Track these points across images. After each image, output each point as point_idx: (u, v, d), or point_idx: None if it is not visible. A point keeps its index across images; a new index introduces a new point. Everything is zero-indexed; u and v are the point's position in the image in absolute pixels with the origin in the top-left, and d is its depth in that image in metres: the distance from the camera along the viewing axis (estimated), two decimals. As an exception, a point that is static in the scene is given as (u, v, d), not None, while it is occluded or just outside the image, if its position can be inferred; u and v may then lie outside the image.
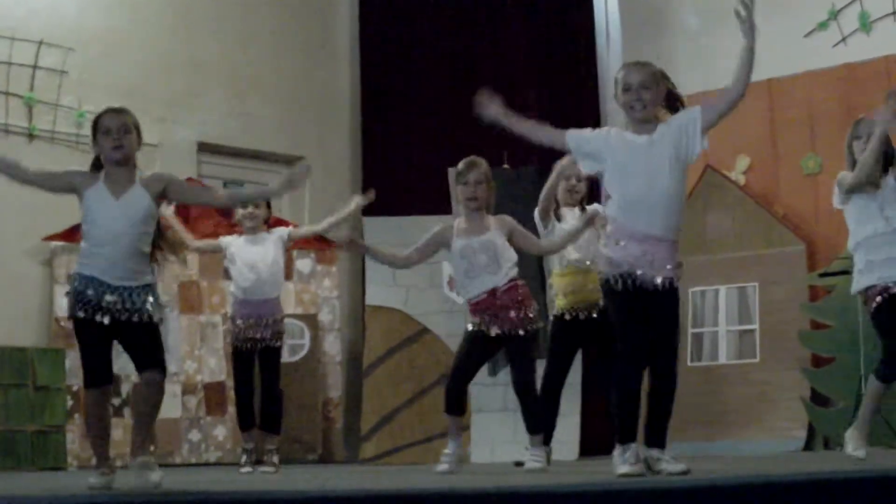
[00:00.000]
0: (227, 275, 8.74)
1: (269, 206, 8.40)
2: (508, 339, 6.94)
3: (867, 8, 10.32)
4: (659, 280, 5.50)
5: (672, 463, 5.45)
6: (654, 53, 11.32)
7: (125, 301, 5.44)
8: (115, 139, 5.51)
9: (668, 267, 5.52)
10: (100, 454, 5.61)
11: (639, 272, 5.50)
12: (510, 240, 7.03)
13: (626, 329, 5.54)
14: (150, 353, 5.54)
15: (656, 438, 5.59)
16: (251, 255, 8.20)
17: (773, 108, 10.69)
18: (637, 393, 5.52)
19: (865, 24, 10.35)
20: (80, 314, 5.49)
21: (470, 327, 7.04)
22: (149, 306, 5.47)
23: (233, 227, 8.53)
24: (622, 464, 5.41)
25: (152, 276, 5.59)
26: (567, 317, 7.62)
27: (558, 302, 7.68)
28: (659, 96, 5.68)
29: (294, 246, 10.50)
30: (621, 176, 5.61)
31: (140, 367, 5.59)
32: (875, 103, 9.99)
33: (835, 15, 10.48)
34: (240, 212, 8.22)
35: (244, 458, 8.24)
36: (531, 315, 6.95)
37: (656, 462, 5.50)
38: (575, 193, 7.72)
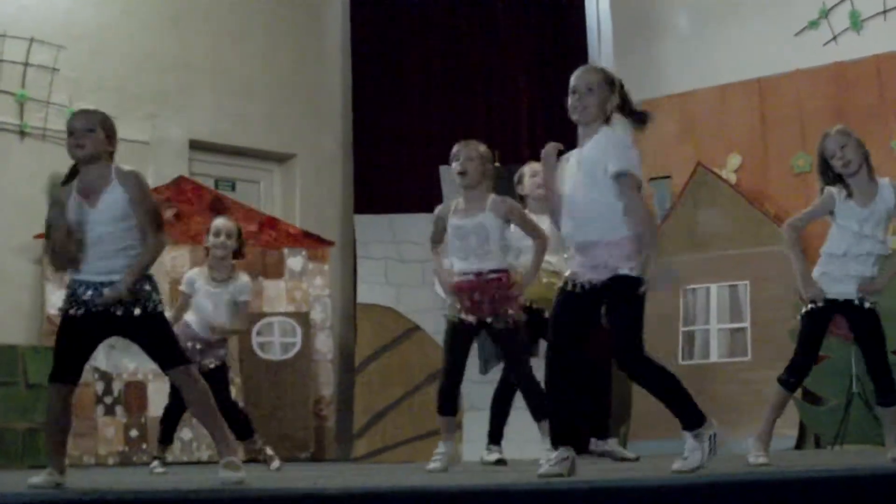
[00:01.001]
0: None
1: (240, 235, 8.24)
2: (493, 331, 6.97)
3: (858, 7, 10.33)
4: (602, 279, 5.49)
5: (680, 461, 5.41)
6: (644, 54, 11.37)
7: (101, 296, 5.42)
8: (76, 138, 5.52)
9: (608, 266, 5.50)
10: (50, 452, 5.57)
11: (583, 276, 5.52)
12: (510, 219, 7.03)
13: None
14: (162, 349, 5.53)
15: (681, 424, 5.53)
16: (210, 300, 8.08)
17: (764, 106, 10.70)
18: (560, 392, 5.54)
19: (856, 23, 10.36)
20: (67, 308, 5.50)
21: (447, 315, 7.06)
22: (147, 296, 5.45)
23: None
24: (545, 463, 5.40)
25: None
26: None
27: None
28: (604, 103, 5.58)
29: (284, 244, 10.52)
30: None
31: (162, 369, 5.59)
32: (866, 102, 10.05)
33: (825, 14, 10.49)
34: (210, 239, 8.11)
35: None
36: (515, 308, 6.96)
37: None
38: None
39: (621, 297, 5.47)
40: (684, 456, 5.39)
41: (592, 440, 8.34)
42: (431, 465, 6.95)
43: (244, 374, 10.05)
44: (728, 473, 4.89)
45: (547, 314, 7.52)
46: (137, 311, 5.44)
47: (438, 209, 7.28)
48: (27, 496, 4.20)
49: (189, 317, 8.03)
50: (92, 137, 5.53)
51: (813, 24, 10.56)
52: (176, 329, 7.56)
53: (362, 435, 10.18)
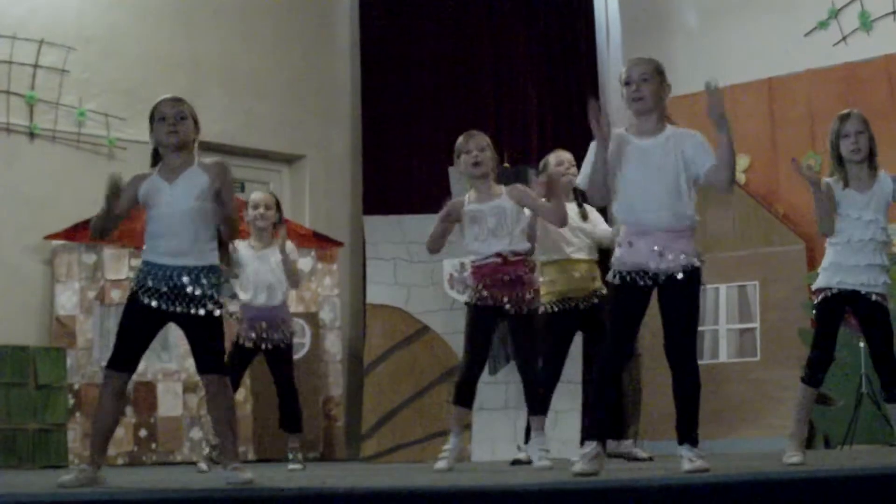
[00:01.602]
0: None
1: (278, 207, 8.32)
2: (510, 315, 6.94)
3: (867, 7, 10.33)
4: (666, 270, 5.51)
5: (690, 461, 5.42)
6: (653, 54, 11.29)
7: (184, 285, 5.44)
8: (170, 125, 5.57)
9: (677, 255, 5.53)
10: (95, 446, 5.60)
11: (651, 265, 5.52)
12: (522, 203, 7.01)
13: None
14: (208, 352, 5.55)
15: (679, 435, 5.56)
16: (261, 263, 8.14)
17: (774, 106, 10.70)
18: (602, 387, 5.54)
19: (866, 24, 10.35)
20: (136, 294, 5.50)
21: (468, 300, 7.04)
22: (207, 293, 5.47)
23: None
24: (578, 461, 5.39)
25: (215, 259, 5.59)
26: (555, 309, 7.59)
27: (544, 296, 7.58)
28: (658, 92, 5.64)
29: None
30: (626, 178, 5.61)
31: (199, 370, 5.62)
32: (875, 102, 10.05)
33: (835, 14, 10.49)
34: (249, 212, 8.17)
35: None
36: (531, 296, 6.95)
37: (680, 459, 5.50)
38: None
39: (689, 289, 5.50)
40: (691, 459, 5.40)
41: (609, 442, 8.33)
42: (438, 465, 6.94)
43: (252, 375, 10.04)
44: (735, 473, 4.89)
45: (581, 306, 7.60)
46: (202, 312, 5.46)
47: (451, 202, 7.23)
48: (42, 496, 4.20)
49: (244, 296, 8.08)
50: (185, 125, 5.61)
51: (822, 25, 10.56)
52: (236, 311, 7.74)
53: (371, 435, 10.18)
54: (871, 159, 6.41)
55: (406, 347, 10.28)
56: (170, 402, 9.85)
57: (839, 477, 4.14)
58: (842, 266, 6.36)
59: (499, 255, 6.90)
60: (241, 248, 8.13)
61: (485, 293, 6.91)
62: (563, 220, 7.02)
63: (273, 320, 8.09)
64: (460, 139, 7.10)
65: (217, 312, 5.50)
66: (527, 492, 3.88)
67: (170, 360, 9.87)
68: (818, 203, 6.38)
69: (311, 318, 10.47)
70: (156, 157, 5.71)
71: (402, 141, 11.60)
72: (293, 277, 8.16)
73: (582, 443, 5.52)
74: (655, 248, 5.50)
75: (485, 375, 9.63)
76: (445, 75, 11.77)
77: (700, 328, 10.25)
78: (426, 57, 11.84)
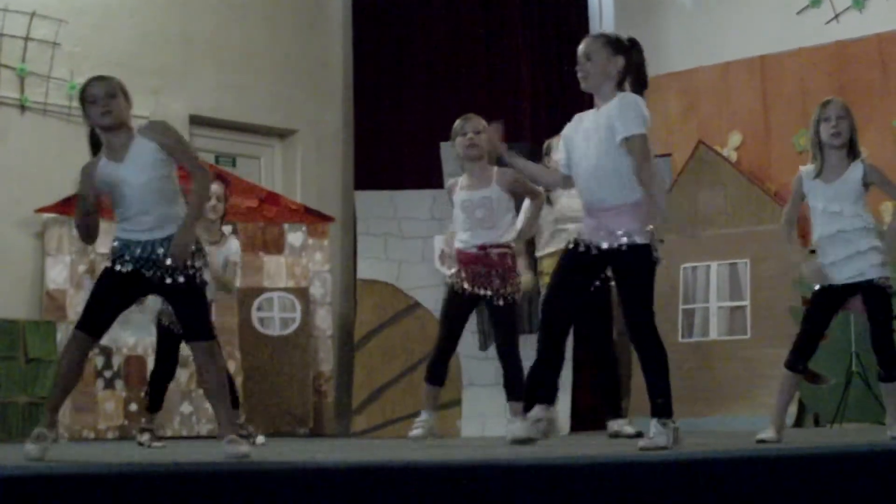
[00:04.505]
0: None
1: (226, 199, 8.21)
2: (488, 302, 7.01)
3: (860, -15, 10.33)
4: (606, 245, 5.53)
5: (647, 437, 5.48)
6: (646, 31, 11.33)
7: (159, 257, 5.43)
8: (102, 106, 5.52)
9: (619, 233, 5.54)
10: (51, 405, 5.57)
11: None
12: (513, 190, 7.07)
13: None
14: (194, 320, 5.54)
15: (652, 408, 5.59)
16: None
17: (766, 84, 10.70)
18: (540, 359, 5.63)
19: (858, 2, 10.35)
20: (113, 262, 5.50)
21: (447, 281, 7.13)
22: (194, 265, 5.46)
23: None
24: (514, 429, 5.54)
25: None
26: None
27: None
28: (604, 67, 5.62)
29: (285, 220, 10.52)
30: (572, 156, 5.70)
31: (186, 339, 5.65)
32: (867, 80, 10.05)
33: (828, -8, 10.49)
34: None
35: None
36: (511, 288, 7.01)
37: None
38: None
39: (635, 266, 5.52)
40: (650, 435, 5.46)
41: (609, 422, 8.37)
42: (413, 432, 7.03)
43: (243, 350, 10.05)
44: (727, 450, 4.89)
45: None
46: (182, 280, 5.45)
47: (448, 186, 7.34)
48: (30, 469, 4.20)
49: None
50: (117, 103, 5.55)
51: (815, 3, 10.55)
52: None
53: (361, 411, 10.20)
54: (851, 148, 6.43)
55: (397, 323, 10.29)
56: (160, 377, 9.84)
57: (828, 454, 4.16)
58: (826, 263, 6.42)
59: (482, 247, 6.99)
60: None
61: (464, 283, 7.02)
62: (556, 181, 7.07)
63: None
64: (457, 122, 7.18)
65: (198, 279, 5.49)
66: (517, 466, 3.88)
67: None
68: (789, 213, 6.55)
69: (302, 294, 10.46)
70: (94, 141, 5.67)
71: (394, 117, 11.58)
72: (227, 285, 8.09)
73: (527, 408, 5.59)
74: (598, 226, 5.54)
75: (475, 351, 9.69)
76: (438, 52, 11.74)
77: (691, 306, 10.31)
78: (419, 33, 11.80)
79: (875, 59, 10.13)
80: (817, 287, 6.46)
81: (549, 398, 5.57)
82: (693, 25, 11.20)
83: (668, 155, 10.89)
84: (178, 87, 10.61)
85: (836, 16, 10.44)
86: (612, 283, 6.59)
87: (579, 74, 5.64)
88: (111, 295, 5.54)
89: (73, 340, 5.54)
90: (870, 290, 6.38)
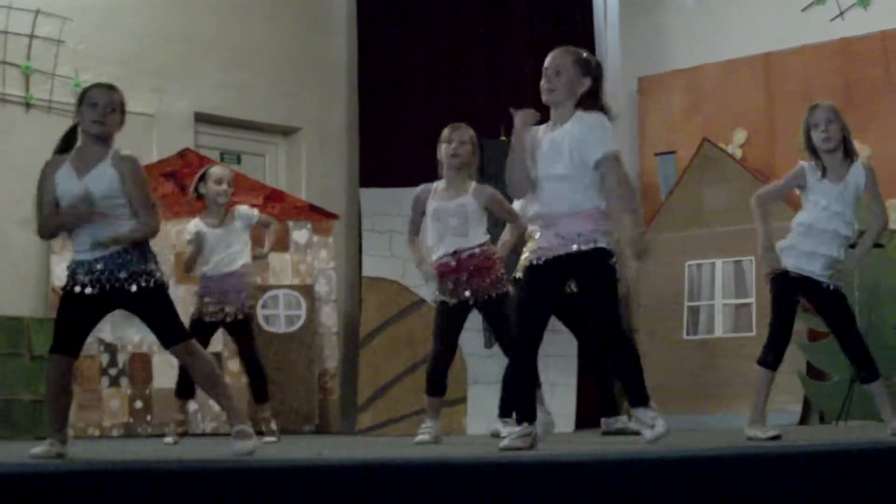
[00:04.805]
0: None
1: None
2: (480, 305, 7.03)
3: (865, -18, 10.32)
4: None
5: (650, 429, 5.51)
6: (650, 28, 11.35)
7: (109, 272, 5.45)
8: (98, 114, 5.53)
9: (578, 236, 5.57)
10: (51, 422, 5.59)
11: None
12: (489, 208, 7.12)
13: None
14: (163, 325, 5.56)
15: (631, 401, 5.70)
16: (222, 239, 8.18)
17: (771, 82, 10.69)
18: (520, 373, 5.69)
19: (863, -1, 10.34)
20: (67, 285, 5.57)
21: (435, 297, 7.21)
22: (135, 269, 5.46)
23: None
24: (508, 437, 5.57)
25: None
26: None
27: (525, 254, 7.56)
28: (572, 84, 5.66)
29: (289, 217, 10.51)
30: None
31: (163, 344, 5.65)
32: (872, 78, 10.04)
33: (832, -11, 10.48)
34: (212, 186, 8.14)
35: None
36: (497, 278, 7.03)
37: (640, 426, 5.62)
38: None
39: (599, 270, 5.56)
40: (650, 425, 5.49)
41: (603, 420, 8.38)
42: (420, 437, 7.06)
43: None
44: (731, 447, 4.90)
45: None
46: (134, 288, 5.46)
47: (417, 193, 7.37)
48: (29, 467, 4.21)
49: (205, 269, 8.11)
50: (113, 118, 5.57)
51: (819, 0, 10.53)
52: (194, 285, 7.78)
53: (366, 408, 10.20)
54: (845, 149, 6.44)
55: (402, 320, 10.30)
56: (165, 374, 9.82)
57: (834, 451, 4.15)
58: (799, 251, 6.43)
59: (454, 253, 7.06)
60: (202, 226, 8.14)
61: (447, 294, 7.12)
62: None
63: (228, 290, 8.08)
64: (446, 129, 7.29)
65: (152, 283, 5.49)
66: (521, 464, 3.89)
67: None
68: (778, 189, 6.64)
69: (307, 291, 10.46)
70: (67, 138, 5.66)
71: (399, 113, 11.57)
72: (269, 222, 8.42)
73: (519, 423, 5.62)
74: (558, 233, 5.56)
75: (480, 349, 9.69)
76: (442, 49, 11.72)
77: (696, 303, 10.31)
78: (422, 31, 11.79)
79: (880, 56, 10.13)
80: (775, 274, 6.47)
81: (532, 416, 5.61)
82: (697, 23, 11.19)
83: (673, 152, 10.90)
84: (182, 85, 10.61)
85: (841, 13, 10.42)
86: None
87: (545, 86, 5.69)
88: (76, 318, 5.56)
89: (53, 365, 5.56)
90: (832, 295, 6.42)
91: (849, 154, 6.44)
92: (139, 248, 5.54)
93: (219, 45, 10.93)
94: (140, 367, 9.77)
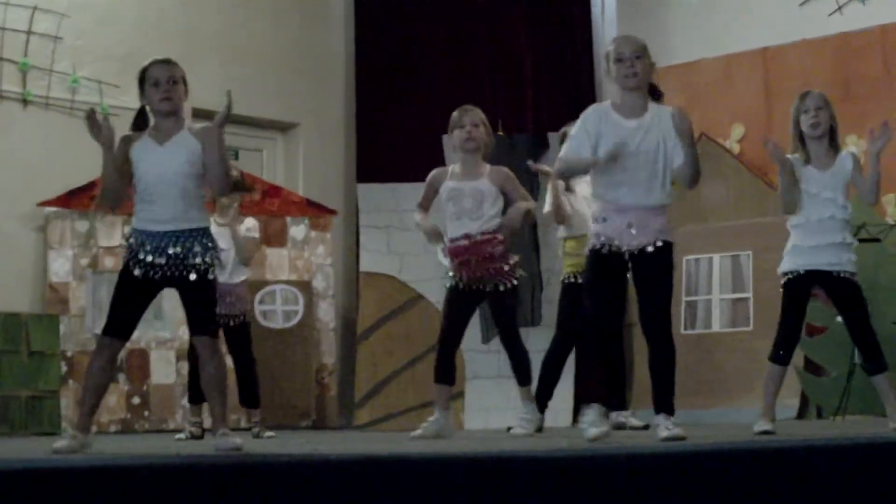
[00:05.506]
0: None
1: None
2: (489, 293, 7.01)
3: (863, -23, 10.31)
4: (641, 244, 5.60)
5: (667, 429, 5.49)
6: (648, 23, 11.33)
7: (177, 254, 5.42)
8: (164, 91, 5.52)
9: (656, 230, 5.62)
10: (84, 413, 5.55)
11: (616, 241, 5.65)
12: (503, 191, 7.09)
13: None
14: (200, 314, 5.53)
15: (656, 405, 5.66)
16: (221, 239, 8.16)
17: (768, 76, 10.68)
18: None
19: (861, -7, 10.33)
20: (127, 265, 5.48)
21: (448, 283, 7.12)
22: (199, 259, 5.44)
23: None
24: (588, 427, 5.66)
25: (206, 221, 5.58)
26: (571, 279, 7.75)
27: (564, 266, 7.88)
28: (649, 69, 5.74)
29: (287, 213, 10.50)
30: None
31: (191, 331, 5.63)
32: (870, 72, 10.03)
33: (831, -17, 10.47)
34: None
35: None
36: (508, 269, 7.01)
37: (656, 428, 5.58)
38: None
39: (665, 266, 5.60)
40: (668, 426, 5.49)
41: (611, 413, 8.38)
42: (414, 433, 7.00)
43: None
44: (731, 442, 4.90)
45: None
46: (193, 277, 5.44)
47: (434, 173, 7.31)
48: (31, 463, 4.21)
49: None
50: (178, 90, 5.57)
51: (818, -6, 10.54)
52: None
53: (364, 403, 10.21)
54: (832, 138, 6.46)
55: (399, 316, 10.30)
56: (163, 370, 9.84)
57: (831, 446, 4.15)
58: (803, 248, 6.46)
59: (467, 236, 6.98)
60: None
61: (462, 278, 7.03)
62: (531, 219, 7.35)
63: (223, 297, 8.04)
64: (455, 113, 7.18)
65: (210, 276, 5.48)
66: (521, 459, 3.88)
67: (163, 327, 9.86)
68: (784, 181, 6.46)
69: (305, 287, 10.46)
70: (139, 119, 5.65)
71: (397, 109, 11.57)
72: (244, 254, 8.19)
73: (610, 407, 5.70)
74: (628, 224, 5.56)
75: (478, 345, 9.69)
76: (441, 45, 11.73)
77: (694, 298, 10.31)
78: (421, 26, 11.79)
79: (878, 50, 10.11)
80: (786, 280, 6.50)
81: (623, 403, 5.70)
82: (695, 17, 11.17)
83: (671, 147, 10.88)
84: (180, 81, 10.58)
85: (840, 7, 10.41)
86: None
87: (631, 69, 5.68)
88: (133, 296, 5.51)
89: (103, 346, 5.52)
90: (845, 285, 6.43)
91: (835, 145, 6.47)
92: (207, 234, 5.53)
93: (217, 41, 10.92)
94: (137, 363, 9.77)
